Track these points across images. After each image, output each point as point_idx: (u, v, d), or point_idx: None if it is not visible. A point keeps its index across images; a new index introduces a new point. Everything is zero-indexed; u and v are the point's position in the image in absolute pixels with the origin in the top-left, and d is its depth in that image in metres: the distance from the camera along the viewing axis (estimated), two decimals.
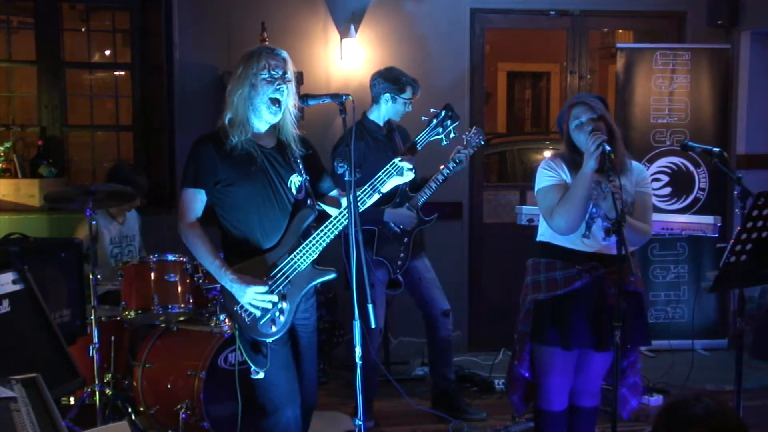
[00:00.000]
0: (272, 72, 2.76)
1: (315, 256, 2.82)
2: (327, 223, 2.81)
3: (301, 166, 2.89)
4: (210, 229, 2.84)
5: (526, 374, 3.19)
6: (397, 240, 4.07)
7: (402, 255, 4.09)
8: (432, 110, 3.02)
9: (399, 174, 2.91)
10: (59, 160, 5.28)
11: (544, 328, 3.06)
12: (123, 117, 5.64)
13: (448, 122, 2.98)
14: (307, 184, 2.90)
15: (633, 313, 3.05)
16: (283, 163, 2.86)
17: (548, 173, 3.09)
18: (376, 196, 2.92)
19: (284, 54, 2.81)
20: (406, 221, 4.03)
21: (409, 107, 4.11)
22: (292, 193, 2.85)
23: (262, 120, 2.82)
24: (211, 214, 2.87)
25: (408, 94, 4.06)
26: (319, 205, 2.94)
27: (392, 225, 4.02)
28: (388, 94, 4.05)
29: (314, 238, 2.81)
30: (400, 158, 2.93)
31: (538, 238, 3.21)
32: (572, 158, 3.08)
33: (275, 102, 2.77)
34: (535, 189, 3.15)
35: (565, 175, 3.07)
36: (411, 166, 2.93)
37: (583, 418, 3.23)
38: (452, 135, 3.05)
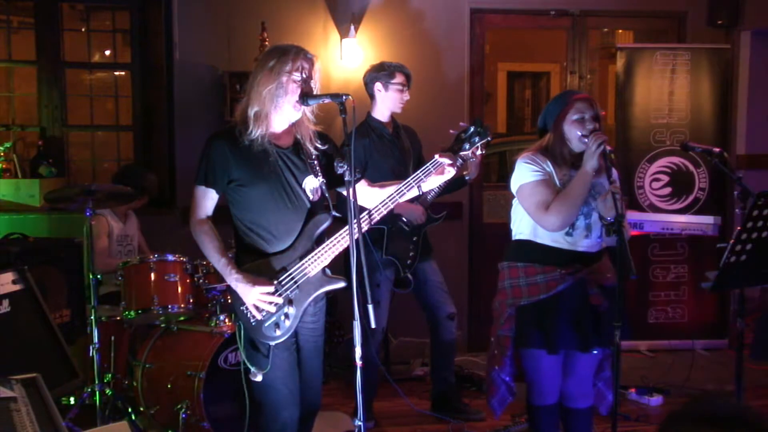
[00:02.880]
0: (304, 75, 2.73)
1: (326, 263, 2.79)
2: (342, 230, 2.76)
3: (317, 168, 2.84)
4: (222, 228, 2.83)
5: (507, 379, 3.15)
6: (406, 238, 4.07)
7: (412, 254, 4.10)
8: (461, 124, 3.01)
9: (440, 172, 2.84)
10: (59, 160, 5.28)
11: (528, 333, 3.04)
12: (123, 117, 5.64)
13: (476, 138, 2.94)
14: (323, 187, 2.85)
15: (613, 307, 3.05)
16: (299, 164, 2.82)
17: (533, 167, 3.02)
18: (415, 192, 2.86)
19: (315, 57, 2.80)
20: (415, 215, 4.02)
21: (407, 95, 4.09)
22: (307, 196, 2.81)
23: (283, 117, 2.79)
24: (225, 212, 2.86)
25: (399, 78, 4.04)
26: (335, 212, 2.91)
27: (402, 223, 4.02)
28: (378, 83, 4.05)
29: (328, 244, 2.77)
30: (439, 154, 2.85)
31: (516, 237, 3.15)
32: (561, 151, 3.04)
33: (300, 104, 2.75)
34: (517, 185, 3.06)
35: (550, 170, 3.02)
36: (450, 162, 2.84)
37: (579, 419, 3.23)
38: (479, 152, 3.02)
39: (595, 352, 3.08)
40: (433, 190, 4.01)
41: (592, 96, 3.14)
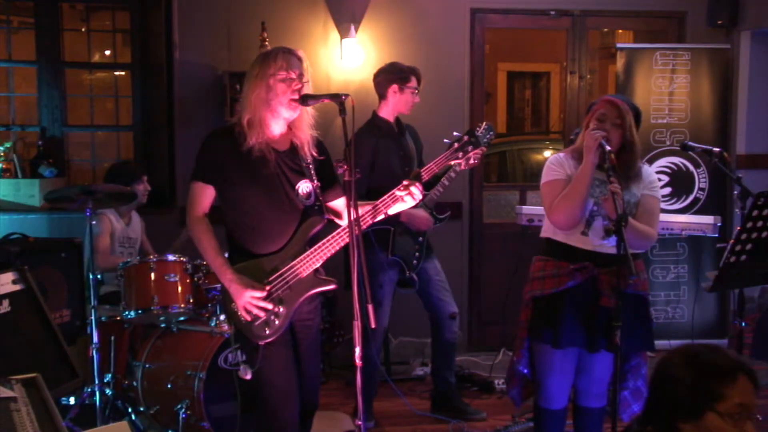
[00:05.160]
0: (288, 71, 2.73)
1: (318, 265, 2.80)
2: (335, 233, 2.77)
3: (312, 172, 2.85)
4: (217, 227, 2.83)
5: (525, 371, 3.19)
6: (412, 239, 4.08)
7: (417, 254, 4.10)
8: (455, 134, 3.02)
9: (402, 200, 2.81)
10: (59, 160, 5.28)
11: (538, 325, 3.08)
12: (123, 117, 5.64)
13: (469, 147, 2.97)
14: (317, 191, 2.87)
15: (635, 317, 3.03)
16: (295, 168, 2.83)
17: (553, 168, 3.11)
18: (383, 216, 2.85)
19: (300, 53, 2.79)
20: (422, 223, 4.03)
21: (417, 97, 4.12)
22: (300, 199, 2.82)
23: (279, 120, 2.80)
24: (220, 210, 2.86)
25: (413, 82, 4.07)
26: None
27: (407, 226, 4.03)
28: (395, 85, 4.06)
29: (320, 246, 2.78)
30: (403, 186, 2.81)
31: (542, 234, 3.22)
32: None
33: (293, 102, 2.74)
34: (540, 185, 3.16)
35: (570, 171, 3.07)
36: (405, 193, 2.79)
37: (589, 418, 3.22)
38: (472, 161, 3.05)
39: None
40: (437, 190, 4.03)
41: (629, 101, 3.13)
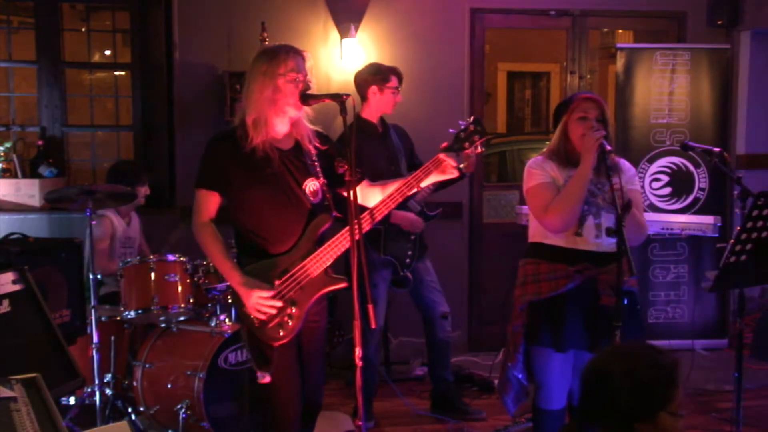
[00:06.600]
0: (298, 73, 2.72)
1: (329, 264, 2.79)
2: (344, 231, 2.74)
3: (318, 169, 2.84)
4: (223, 228, 2.83)
5: (520, 376, 3.16)
6: (404, 237, 4.08)
7: (410, 252, 4.10)
8: (461, 123, 3.03)
9: (441, 171, 2.81)
10: (59, 160, 5.27)
11: (537, 330, 3.05)
12: (123, 117, 5.64)
13: (476, 136, 2.97)
14: (324, 188, 2.85)
15: (630, 312, 3.03)
16: (300, 166, 2.82)
17: (537, 171, 3.08)
18: (415, 190, 2.85)
19: (306, 53, 2.78)
20: (414, 226, 4.03)
21: (399, 97, 4.11)
22: (307, 197, 2.81)
23: (284, 119, 2.78)
24: (226, 212, 2.86)
25: (393, 82, 4.06)
26: (336, 213, 2.91)
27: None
28: (374, 86, 4.06)
29: (329, 245, 2.77)
30: (444, 154, 2.81)
31: (530, 240, 3.19)
32: (564, 150, 3.06)
33: (300, 103, 2.74)
34: (524, 189, 3.14)
35: (554, 173, 3.06)
36: (454, 163, 2.81)
37: None
38: (479, 150, 3.06)
39: None
40: (428, 187, 4.01)
41: (600, 98, 3.12)
